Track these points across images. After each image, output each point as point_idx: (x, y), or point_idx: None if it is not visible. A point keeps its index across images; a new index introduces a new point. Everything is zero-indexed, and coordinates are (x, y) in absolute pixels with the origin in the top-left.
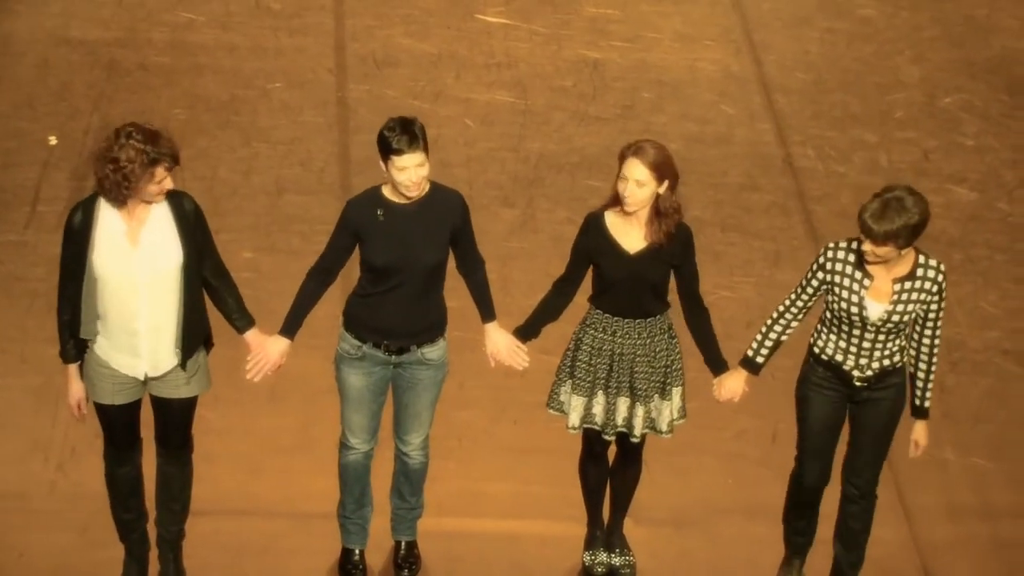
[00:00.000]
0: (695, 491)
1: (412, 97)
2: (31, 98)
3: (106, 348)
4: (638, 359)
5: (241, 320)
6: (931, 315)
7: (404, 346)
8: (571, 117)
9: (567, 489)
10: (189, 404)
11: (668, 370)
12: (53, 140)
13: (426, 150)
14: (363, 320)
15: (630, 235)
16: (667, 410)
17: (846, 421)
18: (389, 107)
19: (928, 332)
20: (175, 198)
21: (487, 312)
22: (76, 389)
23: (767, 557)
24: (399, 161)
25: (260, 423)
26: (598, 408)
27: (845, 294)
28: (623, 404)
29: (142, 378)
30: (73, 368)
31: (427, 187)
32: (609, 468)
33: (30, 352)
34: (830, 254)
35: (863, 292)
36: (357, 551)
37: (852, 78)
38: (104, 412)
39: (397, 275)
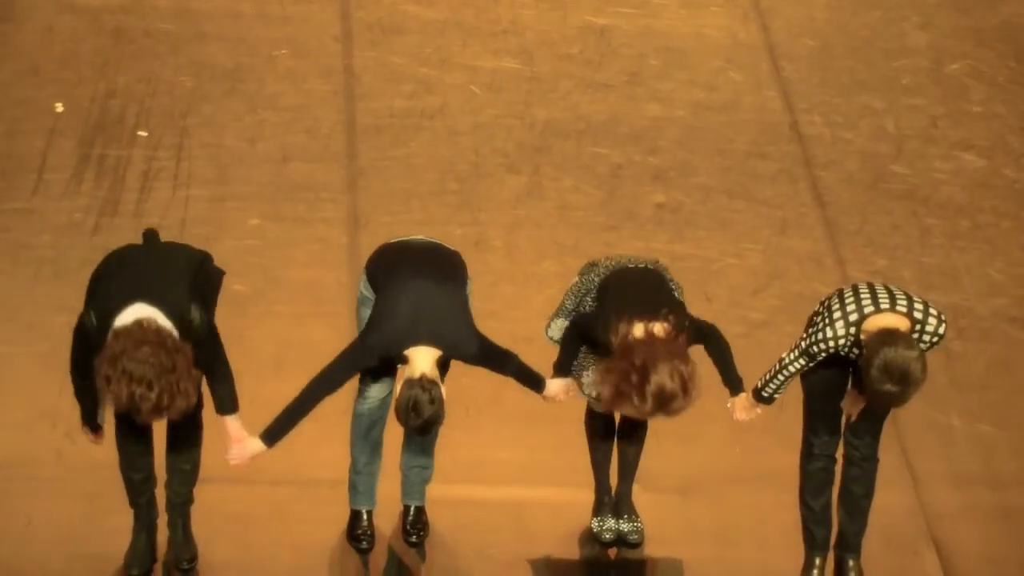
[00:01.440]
0: (702, 459)
1: (419, 64)
2: (36, 65)
3: None
4: None
5: (226, 405)
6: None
7: None
8: (577, 84)
9: (574, 456)
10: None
11: None
12: (59, 107)
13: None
14: (383, 271)
15: None
16: None
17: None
18: (395, 74)
19: None
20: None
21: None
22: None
23: (773, 524)
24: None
25: (266, 391)
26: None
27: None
28: None
29: None
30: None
31: None
32: (615, 435)
33: (37, 319)
34: (831, 343)
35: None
36: (365, 513)
37: (859, 44)
38: None
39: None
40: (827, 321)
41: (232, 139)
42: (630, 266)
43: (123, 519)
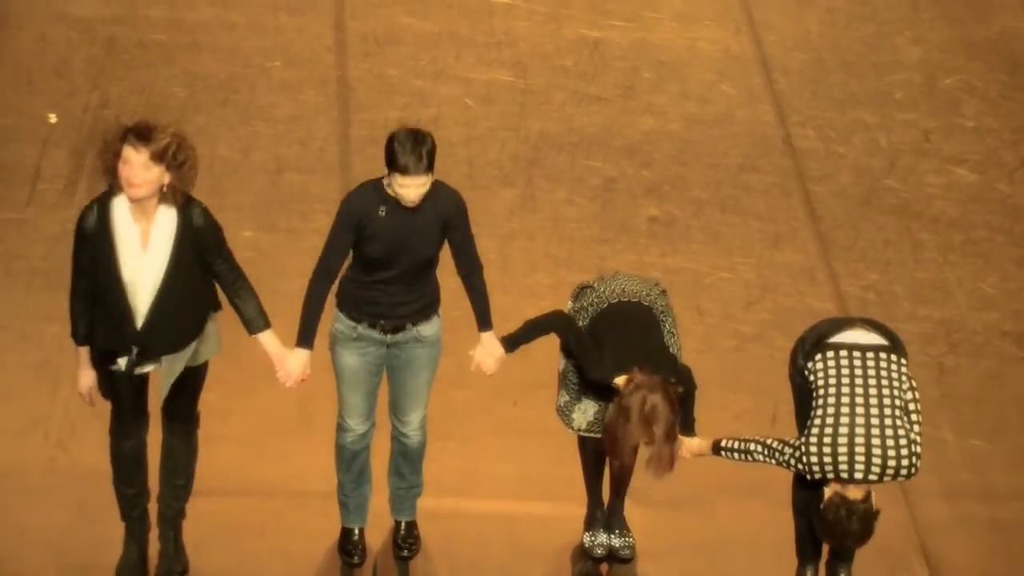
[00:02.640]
0: (694, 471)
1: (413, 76)
2: (30, 75)
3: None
4: None
5: (255, 323)
6: None
7: (399, 324)
8: (571, 97)
9: (567, 469)
10: (197, 372)
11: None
12: (53, 118)
13: (431, 169)
14: (357, 302)
15: None
16: None
17: None
18: (389, 86)
19: None
20: (187, 209)
21: (484, 321)
22: (86, 377)
23: (766, 536)
24: (403, 180)
25: (258, 402)
26: (586, 413)
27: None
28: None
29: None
30: (84, 352)
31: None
32: None
33: (30, 329)
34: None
35: None
36: (357, 530)
37: (852, 58)
38: (110, 381)
39: (391, 268)
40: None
41: (226, 150)
42: (624, 301)
43: (115, 529)
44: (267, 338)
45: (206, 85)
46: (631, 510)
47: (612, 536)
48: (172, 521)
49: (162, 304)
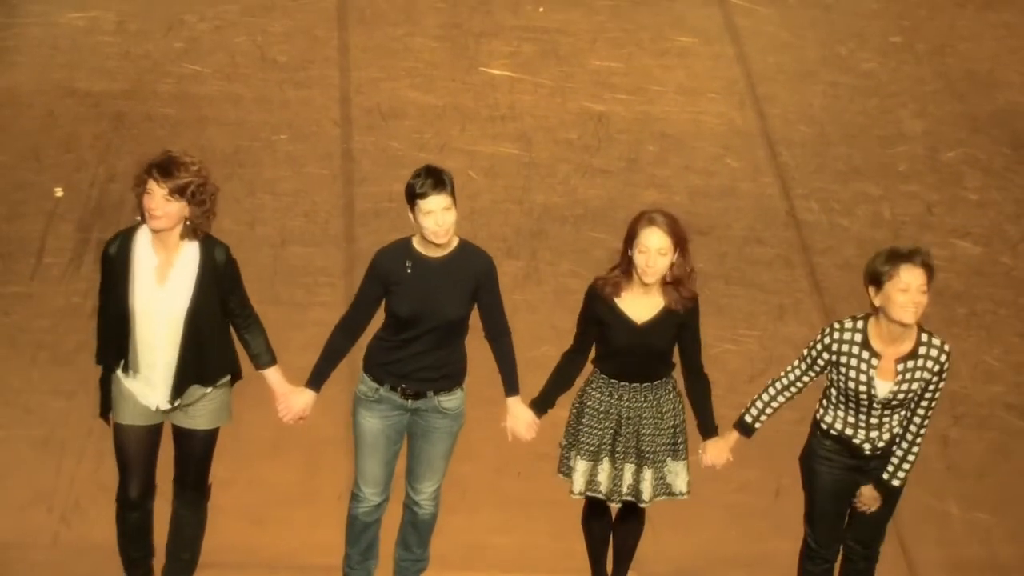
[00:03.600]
0: (698, 543)
1: (417, 149)
2: (37, 149)
3: (126, 375)
4: (644, 421)
5: (262, 358)
6: (927, 394)
7: (421, 391)
8: (575, 169)
9: (571, 542)
10: (207, 437)
11: (676, 430)
12: (59, 192)
13: (453, 196)
14: (382, 363)
15: (636, 304)
16: (684, 470)
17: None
18: (394, 159)
19: (921, 410)
20: (208, 247)
21: (511, 385)
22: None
23: None
24: (424, 205)
25: (263, 474)
26: (603, 476)
27: (853, 374)
28: (628, 470)
29: (154, 408)
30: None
31: (456, 242)
32: (612, 522)
33: (35, 403)
34: (836, 335)
35: (872, 372)
36: None
37: (855, 131)
38: (123, 436)
39: (419, 326)
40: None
41: (231, 222)
42: None
43: None
44: (272, 374)
45: (212, 159)
46: None
47: None
48: None
49: (186, 337)
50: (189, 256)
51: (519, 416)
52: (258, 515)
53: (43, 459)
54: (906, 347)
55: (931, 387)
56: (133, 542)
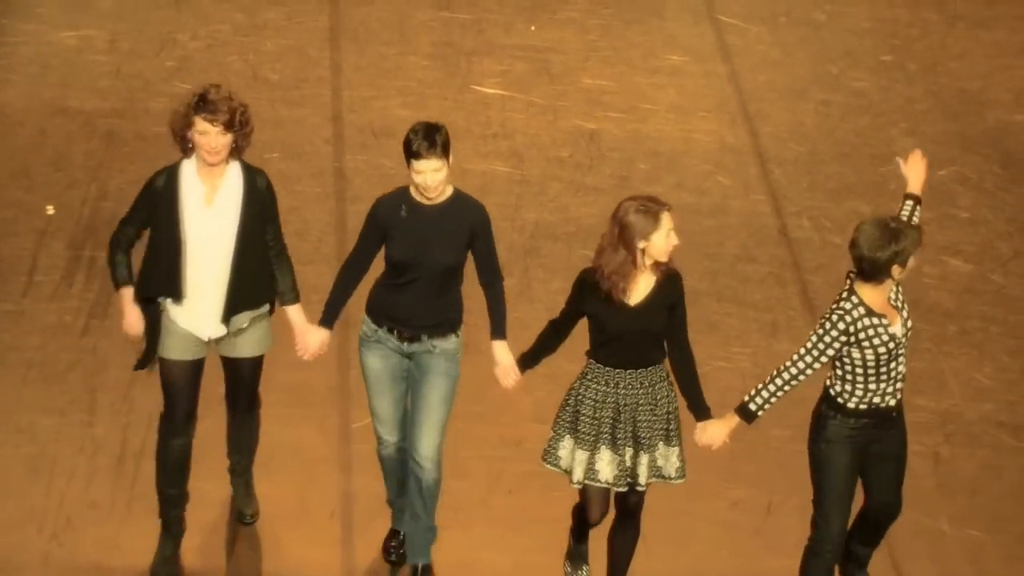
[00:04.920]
0: (690, 561)
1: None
2: (28, 168)
3: (173, 307)
4: (641, 408)
5: (287, 295)
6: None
7: (416, 335)
8: (567, 187)
9: (562, 559)
10: (254, 364)
11: (670, 416)
12: (50, 210)
13: (446, 157)
14: (380, 306)
15: (627, 288)
16: (674, 456)
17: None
18: (386, 177)
19: None
20: (251, 173)
21: (497, 330)
22: (131, 316)
23: None
24: (416, 164)
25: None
26: (602, 464)
27: (877, 341)
28: (627, 455)
29: (204, 338)
30: (126, 293)
31: (449, 191)
32: (608, 533)
33: (25, 421)
34: (848, 318)
35: (890, 329)
36: (402, 534)
37: (847, 150)
38: (169, 370)
39: (413, 271)
40: (837, 313)
41: None
42: None
43: None
44: (295, 311)
45: None
46: None
47: None
48: (242, 475)
49: (237, 258)
50: (234, 181)
51: (501, 360)
52: (250, 533)
53: (34, 478)
54: (886, 289)
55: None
56: (171, 475)
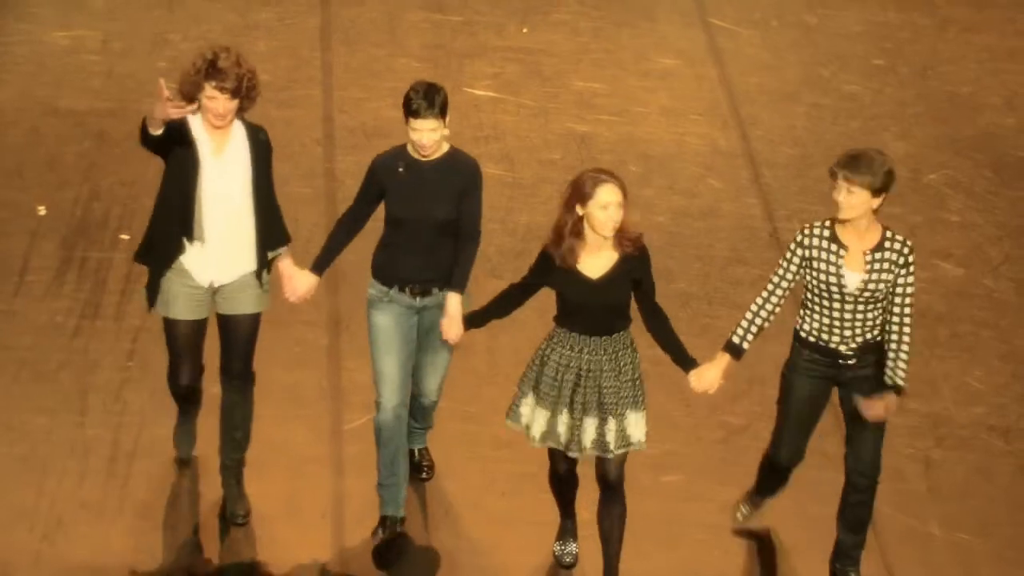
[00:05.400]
0: (681, 563)
1: None
2: (20, 167)
3: (190, 246)
4: (605, 374)
5: (279, 239)
6: (899, 288)
7: (427, 288)
8: (559, 190)
9: (553, 560)
10: (252, 321)
11: (636, 382)
12: (42, 210)
13: (443, 117)
14: (386, 268)
15: (590, 261)
16: (641, 421)
17: (827, 408)
18: None
19: (897, 307)
20: (253, 129)
21: (457, 282)
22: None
23: None
24: (413, 123)
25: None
26: (562, 427)
27: (823, 266)
28: (591, 424)
29: (206, 285)
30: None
31: (445, 148)
32: (596, 516)
33: (16, 421)
34: (807, 230)
35: (840, 262)
36: (389, 519)
37: (838, 153)
38: (174, 329)
39: (411, 225)
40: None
41: None
42: None
43: None
44: (283, 258)
45: None
46: None
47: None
48: (233, 470)
49: (259, 204)
50: (238, 136)
51: (450, 311)
52: (241, 532)
53: (24, 477)
54: (872, 240)
55: (900, 281)
56: (180, 370)
